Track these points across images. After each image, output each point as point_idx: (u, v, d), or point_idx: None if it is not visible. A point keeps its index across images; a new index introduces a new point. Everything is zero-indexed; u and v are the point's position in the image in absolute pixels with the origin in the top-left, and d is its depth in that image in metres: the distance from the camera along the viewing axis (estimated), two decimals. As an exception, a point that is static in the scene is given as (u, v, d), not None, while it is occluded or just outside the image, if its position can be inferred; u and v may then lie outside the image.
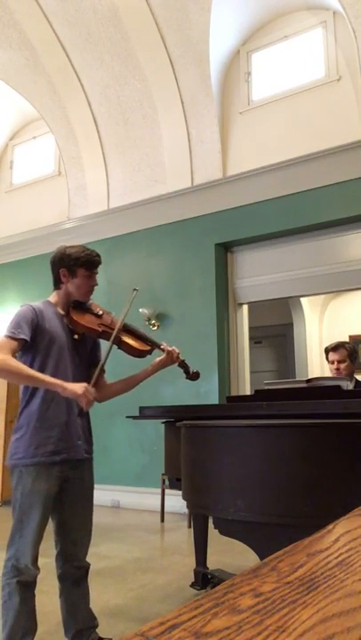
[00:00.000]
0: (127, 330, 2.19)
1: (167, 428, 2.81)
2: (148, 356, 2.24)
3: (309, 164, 5.23)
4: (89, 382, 2.01)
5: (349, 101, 5.21)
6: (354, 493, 1.62)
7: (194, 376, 2.33)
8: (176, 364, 2.25)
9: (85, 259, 2.10)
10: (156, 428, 4.95)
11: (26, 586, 1.94)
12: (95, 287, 2.16)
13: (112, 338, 2.08)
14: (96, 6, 5.75)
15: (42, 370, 1.99)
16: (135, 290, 2.25)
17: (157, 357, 2.22)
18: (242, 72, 5.98)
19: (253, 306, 6.24)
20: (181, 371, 2.32)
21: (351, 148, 5.02)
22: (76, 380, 2.03)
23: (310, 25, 5.65)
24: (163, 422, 2.91)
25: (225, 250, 5.90)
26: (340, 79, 5.34)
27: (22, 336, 1.96)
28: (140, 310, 5.78)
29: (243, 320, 5.95)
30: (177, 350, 2.24)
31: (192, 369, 2.32)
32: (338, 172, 5.08)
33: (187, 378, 2.34)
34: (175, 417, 2.69)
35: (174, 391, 5.54)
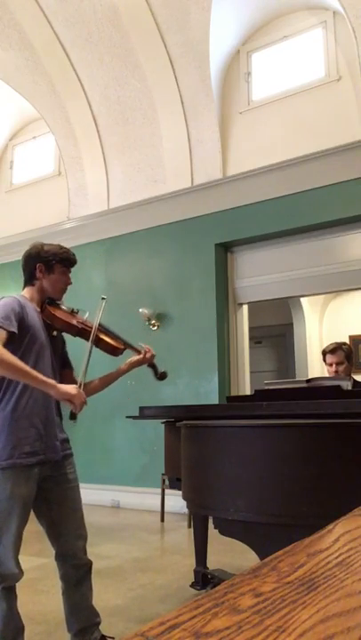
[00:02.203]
0: (102, 329, 2.20)
1: (167, 428, 2.81)
2: (121, 356, 2.24)
3: (309, 163, 5.23)
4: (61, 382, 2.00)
5: (349, 101, 5.21)
6: (354, 493, 1.62)
7: (162, 376, 2.32)
8: (146, 364, 2.24)
9: (63, 255, 2.10)
10: (156, 428, 4.95)
11: (10, 590, 1.91)
12: (69, 287, 2.15)
13: (92, 335, 2.09)
14: (96, 6, 5.75)
15: None
16: (103, 299, 2.21)
17: (133, 356, 2.23)
18: (242, 72, 5.98)
19: (253, 306, 6.24)
20: (152, 372, 2.32)
21: (351, 148, 5.02)
22: (53, 379, 1.99)
23: (310, 25, 5.65)
24: (163, 422, 2.91)
25: (225, 250, 5.90)
26: (340, 79, 5.34)
27: (12, 329, 1.90)
28: (140, 310, 5.78)
29: (243, 320, 5.95)
30: (152, 351, 2.24)
31: (160, 369, 2.32)
32: (338, 172, 5.08)
33: (156, 378, 2.34)
34: (175, 417, 2.68)
35: (174, 391, 5.54)
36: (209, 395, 5.43)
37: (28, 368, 1.87)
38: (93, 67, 6.20)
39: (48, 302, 2.11)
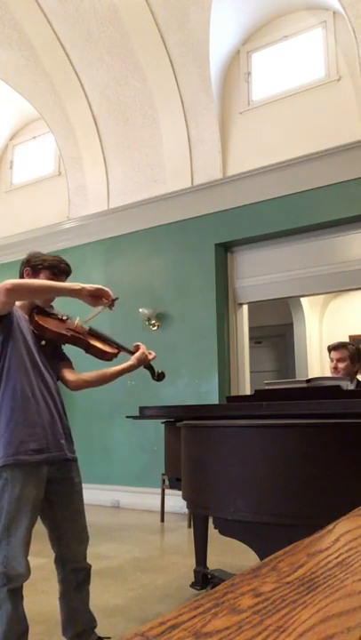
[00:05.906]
0: (93, 334, 2.17)
1: (167, 428, 2.81)
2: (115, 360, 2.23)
3: (309, 163, 5.23)
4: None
5: (349, 101, 5.21)
6: (354, 493, 1.62)
7: (159, 377, 2.36)
8: (144, 365, 2.25)
9: (52, 262, 2.06)
10: (156, 428, 4.95)
11: (15, 592, 1.88)
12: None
13: (82, 341, 2.08)
14: (96, 6, 5.75)
15: (15, 363, 1.92)
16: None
17: (127, 359, 2.21)
18: (242, 72, 5.98)
19: (253, 306, 6.24)
20: (149, 373, 2.35)
21: (351, 148, 5.02)
22: (48, 382, 2.01)
23: (310, 25, 5.64)
24: (163, 422, 2.91)
25: (225, 250, 5.90)
26: (340, 79, 5.33)
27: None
28: (140, 310, 5.78)
29: (243, 320, 5.95)
30: (144, 349, 2.23)
31: (157, 370, 2.35)
32: (338, 172, 5.08)
33: (153, 379, 2.38)
34: (175, 417, 2.68)
35: (174, 391, 5.54)
36: (209, 395, 5.43)
37: (45, 281, 1.95)
38: (93, 67, 6.20)
39: (37, 311, 2.05)
